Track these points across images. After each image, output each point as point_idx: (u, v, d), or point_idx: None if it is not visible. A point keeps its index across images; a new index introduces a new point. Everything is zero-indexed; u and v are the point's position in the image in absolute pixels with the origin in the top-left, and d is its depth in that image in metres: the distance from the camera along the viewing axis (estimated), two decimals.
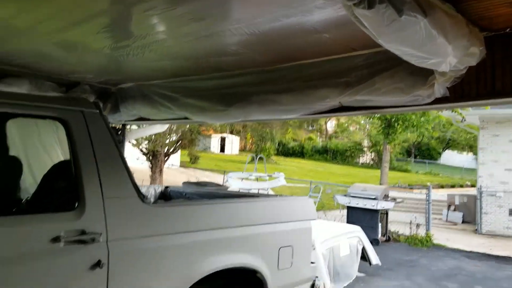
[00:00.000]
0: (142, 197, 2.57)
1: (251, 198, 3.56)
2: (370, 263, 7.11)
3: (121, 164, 2.54)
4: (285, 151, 44.10)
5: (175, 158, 24.53)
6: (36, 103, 2.35)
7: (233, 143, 43.58)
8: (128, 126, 5.85)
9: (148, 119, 4.97)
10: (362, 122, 39.50)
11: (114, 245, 2.35)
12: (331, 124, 50.85)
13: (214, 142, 41.94)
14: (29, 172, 3.21)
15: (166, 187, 4.64)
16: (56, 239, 2.14)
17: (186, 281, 2.69)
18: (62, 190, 2.48)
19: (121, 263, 2.36)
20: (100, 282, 2.28)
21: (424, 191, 12.17)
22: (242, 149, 45.02)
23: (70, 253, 2.19)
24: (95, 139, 2.45)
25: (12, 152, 3.25)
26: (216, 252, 2.86)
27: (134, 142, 13.83)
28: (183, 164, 28.03)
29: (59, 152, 3.36)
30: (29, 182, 3.15)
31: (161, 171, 14.98)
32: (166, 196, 4.47)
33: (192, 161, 29.57)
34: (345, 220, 10.25)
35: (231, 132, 42.02)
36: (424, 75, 2.69)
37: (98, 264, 2.26)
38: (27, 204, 2.68)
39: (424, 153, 44.23)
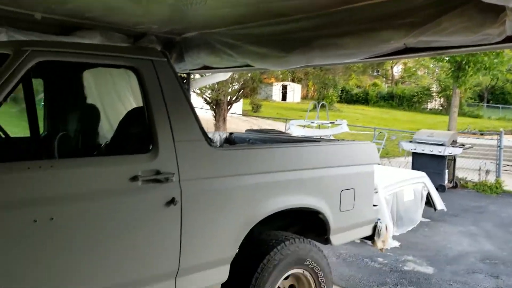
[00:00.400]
0: (209, 140, 2.72)
1: (313, 143, 3.64)
2: (435, 209, 7.06)
3: (189, 110, 2.68)
4: (348, 98, 43.19)
5: (238, 107, 24.90)
6: (111, 53, 2.51)
7: (295, 91, 43.26)
8: (192, 76, 6.02)
9: (212, 68, 5.09)
10: (431, 66, 37.51)
11: (185, 185, 2.54)
12: (397, 69, 48.81)
13: (276, 91, 41.85)
14: (106, 119, 3.47)
15: (231, 133, 4.82)
16: (134, 178, 2.35)
17: (250, 220, 2.86)
18: (137, 134, 2.68)
19: (192, 201, 2.56)
20: (175, 217, 2.49)
21: (496, 137, 11.60)
22: (304, 97, 44.63)
23: (147, 191, 2.40)
24: (165, 86, 2.60)
25: (89, 101, 3.52)
26: (279, 194, 3.00)
27: (198, 91, 14.17)
28: (245, 113, 28.42)
29: (132, 100, 3.59)
30: (106, 128, 3.41)
31: (224, 119, 15.34)
32: (231, 141, 4.65)
33: (254, 110, 29.88)
34: (410, 167, 10.09)
35: (293, 80, 41.62)
36: (495, 12, 2.55)
37: (172, 201, 2.46)
38: (106, 148, 2.93)
39: (498, 97, 41.56)
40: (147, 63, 2.57)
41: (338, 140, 4.04)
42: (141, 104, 3.26)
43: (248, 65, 4.51)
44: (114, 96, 3.61)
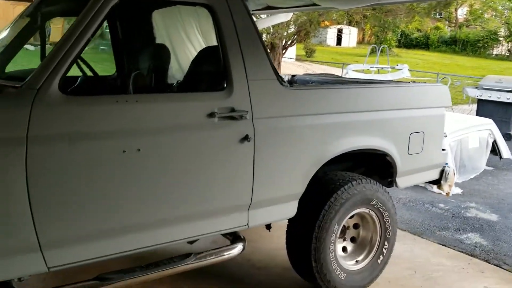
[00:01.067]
0: (281, 80, 2.74)
1: (382, 84, 3.56)
2: (500, 157, 6.81)
3: (262, 49, 2.69)
4: (407, 43, 41.21)
5: (291, 52, 24.44)
6: None
7: (351, 35, 41.72)
8: (254, 17, 5.95)
9: (275, 8, 5.00)
10: (500, 7, 34.74)
11: (258, 122, 2.59)
12: (462, 12, 45.67)
13: (330, 35, 40.48)
14: (175, 59, 3.54)
15: (293, 76, 4.79)
16: (211, 115, 2.43)
17: (319, 159, 2.90)
18: (211, 72, 2.73)
19: (264, 139, 2.62)
20: (248, 153, 2.57)
21: None
22: (360, 42, 43.03)
23: (223, 127, 2.48)
24: (238, 24, 2.60)
25: (158, 41, 3.59)
26: (348, 134, 3.00)
27: None
28: (298, 58, 27.90)
29: (200, 39, 3.63)
30: (175, 68, 3.49)
31: (279, 64, 15.17)
32: (294, 83, 4.63)
33: (308, 55, 29.24)
34: (474, 114, 9.68)
35: (349, 23, 40.02)
36: None
37: (246, 138, 2.54)
38: (179, 86, 3.01)
39: None
40: (222, 1, 2.56)
41: (409, 82, 3.92)
42: (209, 43, 3.31)
43: (313, 4, 4.39)
44: (183, 36, 3.66)
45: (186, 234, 2.50)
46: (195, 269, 3.12)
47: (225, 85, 2.54)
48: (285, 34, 14.88)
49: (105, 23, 2.67)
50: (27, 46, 2.96)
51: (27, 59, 2.99)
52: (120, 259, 2.31)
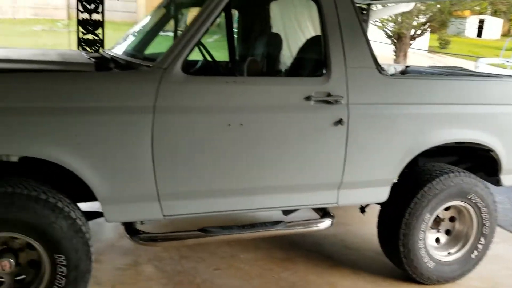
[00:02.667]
0: (380, 68, 2.87)
1: (491, 78, 3.45)
2: None
3: (363, 40, 2.84)
4: None
5: (422, 42, 23.23)
6: None
7: (494, 27, 38.09)
8: (373, 7, 5.98)
9: None
10: None
11: (353, 108, 2.78)
12: None
13: (470, 25, 37.40)
14: (287, 47, 3.83)
15: (407, 66, 4.78)
16: (308, 98, 2.68)
17: (414, 148, 2.97)
18: (313, 59, 2.98)
19: (358, 124, 2.79)
20: (341, 136, 2.77)
21: None
22: (505, 34, 39.04)
23: (318, 110, 2.71)
24: (342, 16, 2.79)
25: (274, 30, 3.91)
26: (445, 126, 3.02)
27: (379, 23, 13.71)
28: (431, 49, 26.38)
29: (311, 29, 3.87)
30: (287, 55, 3.78)
31: (405, 54, 14.65)
32: (405, 74, 4.63)
33: (442, 46, 27.50)
34: None
35: (495, 13, 36.53)
36: None
37: (339, 121, 2.74)
38: (286, 72, 3.30)
39: None
40: None
41: None
42: (319, 33, 3.53)
43: None
44: (296, 25, 3.93)
45: (279, 203, 2.81)
46: (284, 235, 3.45)
47: (324, 71, 2.76)
48: (413, 23, 14.29)
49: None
50: (162, 32, 3.49)
51: (164, 44, 3.52)
52: (221, 217, 2.71)
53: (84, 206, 2.60)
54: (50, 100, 2.25)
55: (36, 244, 2.28)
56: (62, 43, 15.19)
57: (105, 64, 2.67)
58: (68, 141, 2.27)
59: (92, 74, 2.43)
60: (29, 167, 2.42)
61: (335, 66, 2.75)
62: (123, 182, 2.42)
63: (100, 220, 2.79)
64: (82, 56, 2.98)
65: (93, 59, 2.79)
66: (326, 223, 2.98)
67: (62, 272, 2.32)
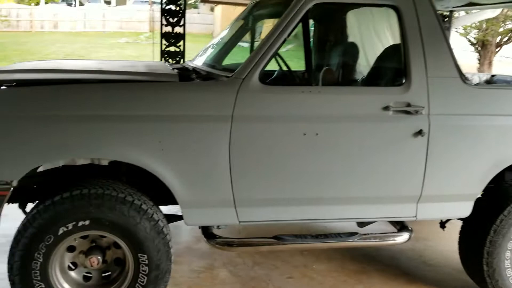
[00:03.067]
0: (463, 78, 2.75)
1: None
2: None
3: (446, 48, 2.74)
4: None
5: (510, 50, 21.73)
6: None
7: None
8: (455, 14, 5.73)
9: (478, 4, 4.77)
10: None
11: (434, 118, 2.68)
12: None
13: None
14: (364, 56, 3.79)
15: (493, 75, 4.53)
16: (386, 108, 2.63)
17: (500, 162, 2.81)
18: (392, 69, 2.92)
19: (439, 135, 2.69)
20: (421, 148, 2.69)
21: None
22: None
23: (397, 120, 2.65)
24: (423, 23, 2.72)
25: (350, 39, 3.88)
26: None
27: (462, 31, 13.07)
28: None
29: (389, 38, 3.79)
30: (363, 65, 3.74)
31: (490, 63, 13.80)
32: (491, 83, 4.39)
33: None
34: None
35: None
36: None
37: (419, 132, 2.65)
38: (362, 81, 3.26)
39: None
40: (408, 1, 2.71)
41: None
42: (398, 42, 3.46)
43: None
44: (373, 34, 3.87)
45: (355, 214, 2.77)
46: (359, 247, 3.39)
47: (404, 81, 2.70)
48: (500, 30, 13.43)
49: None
50: (240, 43, 3.60)
51: (241, 54, 3.64)
52: (293, 227, 2.72)
53: (164, 209, 2.73)
54: (139, 108, 2.41)
55: (122, 243, 2.44)
56: (145, 55, 16.12)
57: (187, 75, 2.81)
58: (153, 147, 2.41)
59: (176, 85, 2.56)
60: (117, 170, 2.60)
61: (416, 75, 2.68)
62: (202, 188, 2.52)
63: (177, 223, 2.93)
64: (166, 67, 3.16)
65: (176, 70, 2.94)
66: (403, 237, 2.88)
67: (145, 271, 2.45)
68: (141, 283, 2.47)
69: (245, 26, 3.54)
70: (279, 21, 2.62)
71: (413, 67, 2.69)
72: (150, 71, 2.88)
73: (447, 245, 3.76)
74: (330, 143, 2.61)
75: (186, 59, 5.05)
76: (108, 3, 29.49)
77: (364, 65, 3.64)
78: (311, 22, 3.34)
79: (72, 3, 29.68)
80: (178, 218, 2.79)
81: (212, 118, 2.48)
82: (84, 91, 2.42)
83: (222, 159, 2.50)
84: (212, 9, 26.74)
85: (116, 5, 29.12)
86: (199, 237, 3.66)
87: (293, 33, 2.66)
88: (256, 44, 3.65)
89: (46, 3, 29.15)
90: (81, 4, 28.72)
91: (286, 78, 2.76)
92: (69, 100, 2.38)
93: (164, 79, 2.60)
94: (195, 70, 2.98)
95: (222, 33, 3.67)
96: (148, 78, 2.61)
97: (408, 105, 2.65)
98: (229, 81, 2.54)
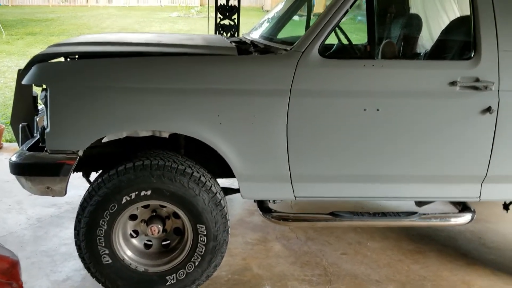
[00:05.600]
0: None
1: None
2: None
3: None
4: None
5: None
6: None
7: None
8: None
9: None
10: None
11: (504, 95, 2.53)
12: None
13: None
14: (427, 29, 3.61)
15: None
16: (453, 83, 2.50)
17: None
18: (460, 42, 2.76)
19: (509, 113, 2.54)
20: (489, 126, 2.55)
21: None
22: None
23: (464, 96, 2.52)
24: None
25: (413, 11, 3.71)
26: None
27: None
28: None
29: (456, 10, 3.59)
30: (426, 37, 3.57)
31: None
32: None
33: None
34: None
35: None
36: None
37: (488, 110, 2.51)
38: (426, 54, 3.10)
39: None
40: None
41: None
42: (465, 13, 3.28)
43: None
44: (438, 6, 3.67)
45: (415, 193, 2.69)
46: (416, 227, 3.31)
47: (472, 54, 2.55)
48: None
49: None
50: (295, 17, 3.53)
51: (297, 28, 3.56)
52: (348, 204, 2.68)
53: (220, 181, 2.76)
54: (198, 82, 2.43)
55: (181, 213, 2.50)
56: (196, 29, 16.22)
57: (245, 48, 2.78)
58: (212, 121, 2.42)
59: (235, 58, 2.55)
60: (177, 143, 2.65)
61: (486, 49, 2.53)
62: (259, 162, 2.53)
63: (230, 196, 2.97)
64: (224, 41, 3.15)
65: (234, 44, 2.92)
66: (465, 217, 2.78)
67: (203, 241, 2.51)
68: (200, 253, 2.53)
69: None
70: None
71: (484, 40, 2.53)
72: (208, 45, 2.88)
73: (510, 228, 3.61)
74: (392, 119, 2.52)
75: (240, 33, 5.02)
76: None
77: (428, 38, 3.48)
78: None
79: None
80: (235, 191, 2.83)
81: (270, 92, 2.45)
82: (146, 64, 2.45)
83: (280, 134, 2.48)
84: None
85: None
86: (252, 210, 3.72)
87: (356, 4, 2.56)
88: (313, 18, 3.57)
89: None
90: None
91: (347, 52, 2.68)
92: (132, 73, 2.42)
93: (223, 52, 2.59)
94: (253, 43, 2.95)
95: (278, 6, 3.60)
96: (207, 51, 2.61)
97: (477, 80, 2.51)
98: (288, 54, 2.50)
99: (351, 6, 2.51)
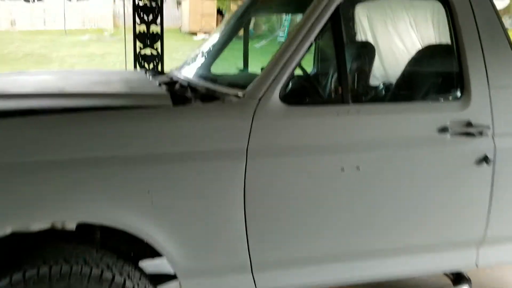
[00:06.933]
0: None
1: None
2: None
3: (509, 48, 2.17)
4: None
5: None
6: None
7: None
8: None
9: None
10: None
11: (501, 141, 2.11)
12: None
13: None
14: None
15: None
16: (443, 130, 2.03)
17: None
18: (442, 77, 2.30)
19: (508, 162, 2.12)
20: (485, 178, 2.11)
21: None
22: None
23: (455, 145, 2.06)
24: (480, 19, 2.14)
25: (360, 38, 3.25)
26: None
27: None
28: None
29: (414, 36, 3.18)
30: (379, 70, 3.09)
31: None
32: None
33: None
34: None
35: None
36: None
37: (484, 159, 2.07)
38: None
39: None
40: None
41: None
42: (427, 40, 2.88)
43: None
44: (390, 31, 3.25)
45: (402, 269, 2.15)
46: None
47: (460, 93, 2.10)
48: None
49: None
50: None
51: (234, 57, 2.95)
52: None
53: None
54: (117, 147, 1.72)
55: None
56: (110, 52, 15.12)
57: (181, 93, 2.11)
58: (139, 200, 1.72)
59: (169, 110, 1.86)
60: (88, 233, 1.89)
61: (475, 86, 2.10)
62: (209, 250, 1.86)
63: None
64: (150, 82, 2.43)
65: (164, 85, 2.25)
66: None
67: None
68: None
69: (245, 25, 2.87)
70: (302, 20, 1.98)
71: (472, 75, 2.10)
72: (130, 91, 2.16)
73: None
74: (376, 179, 1.98)
75: (163, 64, 4.32)
76: None
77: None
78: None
79: None
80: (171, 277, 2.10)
81: (219, 155, 1.81)
82: (35, 127, 1.70)
83: (235, 210, 1.84)
84: (179, 3, 25.71)
85: (78, 0, 27.76)
86: None
87: (322, 34, 2.02)
88: (253, 42, 2.99)
89: None
90: None
91: (314, 94, 2.10)
92: (15, 141, 1.66)
93: (151, 103, 1.90)
94: (189, 84, 2.28)
95: (217, 33, 2.98)
96: (130, 102, 1.91)
97: (469, 124, 2.06)
98: (241, 103, 1.88)
99: (317, 37, 1.96)
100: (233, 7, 19.14)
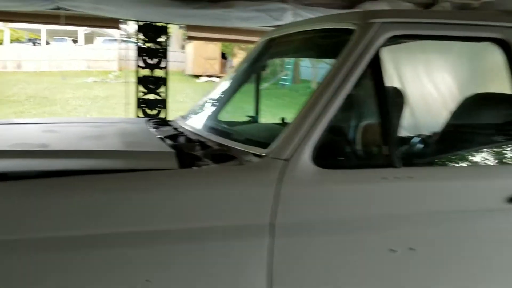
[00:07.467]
0: None
1: None
2: None
3: None
4: None
5: None
6: (474, 21, 1.81)
7: None
8: None
9: None
10: None
11: None
12: None
13: None
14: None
15: None
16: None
17: None
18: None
19: None
20: None
21: None
22: None
23: None
24: None
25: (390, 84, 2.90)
26: None
27: None
28: None
29: (451, 82, 2.85)
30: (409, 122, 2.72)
31: None
32: None
33: None
34: None
35: None
36: None
37: None
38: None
39: None
40: None
41: None
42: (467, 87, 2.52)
43: None
44: (442, 78, 2.87)
45: None
46: None
47: None
48: None
49: None
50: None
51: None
52: None
53: None
54: (107, 223, 1.33)
55: None
56: (114, 94, 14.96)
57: (189, 150, 1.73)
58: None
59: (175, 174, 1.48)
60: None
61: None
62: None
63: None
64: (151, 134, 2.04)
65: (168, 140, 1.87)
66: None
67: None
68: None
69: (257, 72, 2.53)
70: (335, 65, 1.63)
71: None
72: (125, 147, 1.78)
73: None
74: (434, 262, 1.57)
75: (167, 109, 3.98)
76: (76, 41, 28.39)
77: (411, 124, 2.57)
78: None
79: (37, 43, 28.41)
80: None
81: (237, 232, 1.42)
82: (5, 196, 1.31)
83: None
84: (183, 47, 25.86)
85: (84, 44, 28.07)
86: None
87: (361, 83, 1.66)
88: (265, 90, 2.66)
89: (11, 42, 27.76)
90: (47, 43, 27.52)
91: (353, 155, 1.71)
92: None
93: (152, 165, 1.51)
94: (198, 139, 1.90)
95: (228, 79, 2.64)
96: (123, 164, 1.52)
97: None
98: (264, 164, 1.50)
99: (354, 87, 1.61)
100: (237, 52, 19.19)
